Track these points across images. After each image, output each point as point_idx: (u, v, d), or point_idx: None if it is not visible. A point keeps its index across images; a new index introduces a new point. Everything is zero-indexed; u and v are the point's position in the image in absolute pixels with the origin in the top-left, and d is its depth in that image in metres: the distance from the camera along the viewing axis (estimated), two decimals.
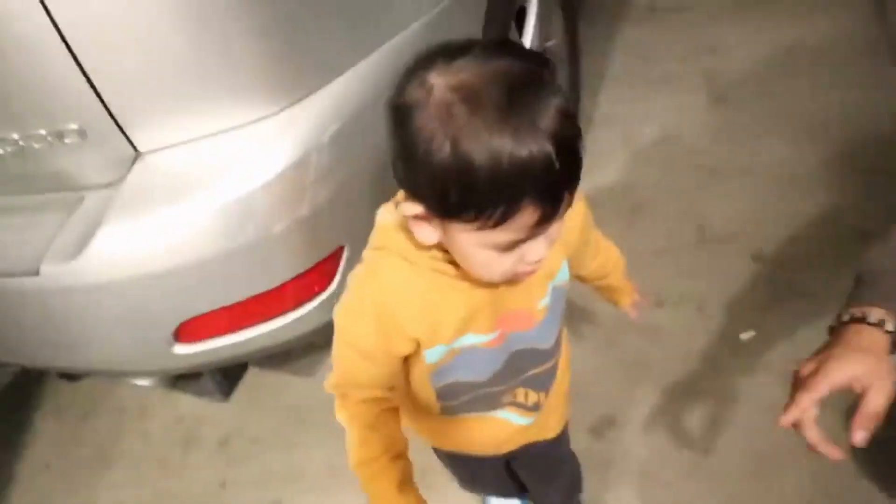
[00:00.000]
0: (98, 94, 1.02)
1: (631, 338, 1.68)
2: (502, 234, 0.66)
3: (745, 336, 1.64)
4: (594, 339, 1.70)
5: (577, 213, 0.86)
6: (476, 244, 0.69)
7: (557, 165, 0.61)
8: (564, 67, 2.00)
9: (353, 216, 1.23)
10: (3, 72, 1.02)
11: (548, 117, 0.61)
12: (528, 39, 1.79)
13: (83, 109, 1.04)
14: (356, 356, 0.82)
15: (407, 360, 0.85)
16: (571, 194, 0.66)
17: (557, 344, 0.94)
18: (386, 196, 1.24)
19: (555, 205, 0.65)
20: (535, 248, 0.70)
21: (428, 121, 0.63)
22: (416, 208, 0.69)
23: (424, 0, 1.29)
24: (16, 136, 1.08)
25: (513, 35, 1.70)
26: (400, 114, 0.65)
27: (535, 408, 0.98)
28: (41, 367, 1.50)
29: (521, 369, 0.91)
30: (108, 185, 1.12)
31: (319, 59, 1.13)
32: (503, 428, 0.99)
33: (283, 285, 1.19)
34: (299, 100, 1.12)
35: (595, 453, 1.50)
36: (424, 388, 0.89)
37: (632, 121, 2.25)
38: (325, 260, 1.22)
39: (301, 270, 1.19)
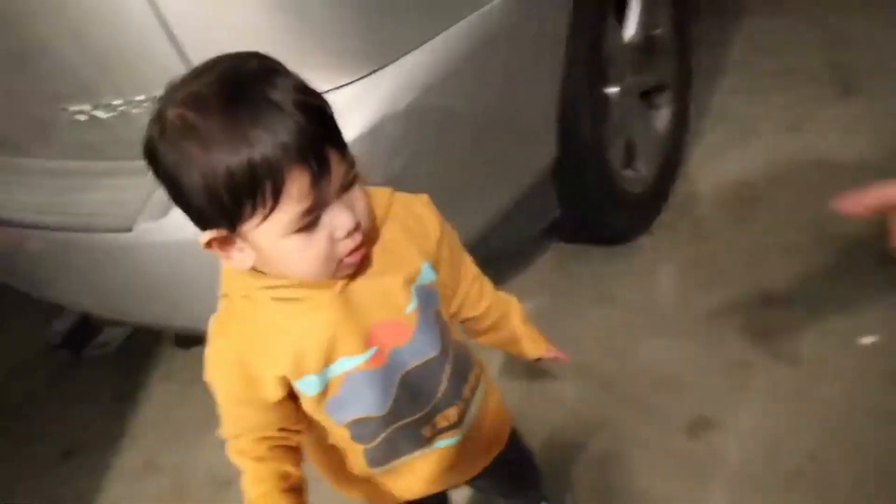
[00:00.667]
0: (189, 64, 1.07)
1: (736, 336, 1.57)
2: (290, 209, 0.67)
3: (865, 341, 1.49)
4: (696, 335, 1.60)
5: (430, 219, 0.87)
6: (278, 236, 0.69)
7: (301, 129, 0.65)
8: (672, 59, 1.91)
9: (426, 188, 1.23)
10: (106, 43, 1.10)
11: (276, 91, 0.65)
12: (629, 28, 1.73)
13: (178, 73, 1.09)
14: (235, 404, 0.81)
15: (298, 404, 0.83)
16: (339, 151, 0.69)
17: (447, 347, 0.87)
18: (456, 170, 1.23)
19: (319, 162, 0.66)
20: (339, 219, 0.70)
21: (169, 147, 0.66)
22: (210, 233, 0.70)
23: None
24: (118, 101, 1.16)
25: (611, 24, 1.65)
26: (151, 155, 0.69)
27: (460, 422, 0.92)
28: (143, 324, 1.60)
29: (425, 392, 0.87)
30: None
31: (397, 30, 1.14)
32: (441, 458, 0.93)
33: None
34: (376, 70, 1.13)
35: (689, 454, 1.40)
36: (335, 430, 0.86)
37: (751, 114, 2.15)
38: None
39: None
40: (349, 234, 0.72)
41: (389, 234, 0.82)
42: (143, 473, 1.78)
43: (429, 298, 0.85)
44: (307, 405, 0.82)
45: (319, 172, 0.67)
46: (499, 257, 1.82)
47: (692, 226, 1.88)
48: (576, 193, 1.64)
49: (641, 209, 1.88)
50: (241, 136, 0.64)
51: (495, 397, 1.02)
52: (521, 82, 1.37)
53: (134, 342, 2.07)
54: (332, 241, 0.71)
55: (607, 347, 1.64)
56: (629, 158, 1.83)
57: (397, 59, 1.15)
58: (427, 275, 0.85)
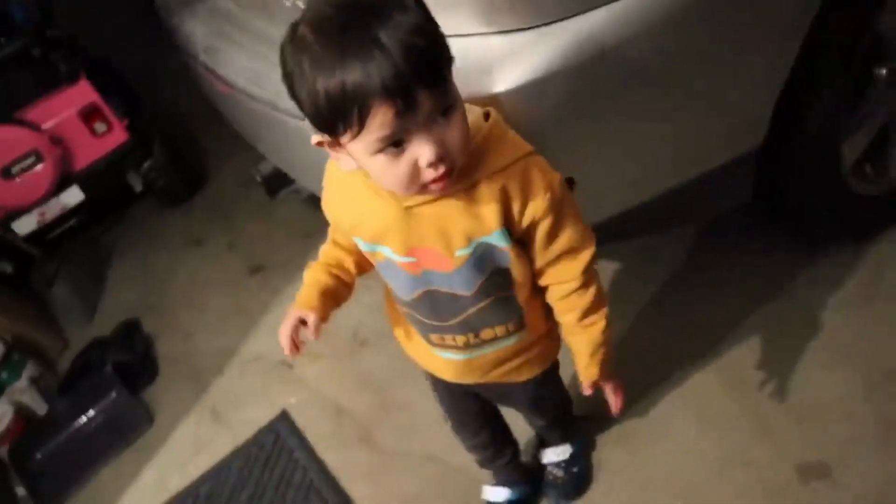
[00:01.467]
0: None
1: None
2: (374, 134, 0.77)
3: None
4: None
5: (538, 200, 0.91)
6: (366, 152, 0.80)
7: (393, 68, 0.72)
8: None
9: (584, 153, 1.17)
10: None
11: (385, 27, 0.73)
12: None
13: None
14: (332, 226, 1.07)
15: None
16: (432, 90, 0.76)
17: (482, 295, 0.98)
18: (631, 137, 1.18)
19: (405, 99, 0.74)
20: (423, 150, 0.79)
21: (290, 57, 0.78)
22: (317, 136, 0.84)
23: None
24: None
25: None
26: (281, 59, 0.80)
27: (467, 346, 1.06)
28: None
29: (441, 311, 1.01)
30: None
31: None
32: (444, 360, 1.10)
33: None
34: (553, 21, 1.05)
35: (791, 497, 1.30)
36: (383, 279, 1.05)
37: None
38: None
39: None
40: (431, 164, 0.80)
41: (489, 187, 0.89)
42: None
43: (489, 253, 0.94)
44: (365, 254, 1.03)
45: (404, 108, 0.75)
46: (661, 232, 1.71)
47: None
48: (782, 184, 1.44)
49: (866, 214, 1.61)
50: (341, 63, 0.73)
51: (536, 348, 1.12)
52: (738, 53, 1.19)
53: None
54: (416, 167, 0.81)
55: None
56: (873, 154, 1.55)
57: (584, 11, 1.06)
58: (497, 239, 0.93)
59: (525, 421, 1.41)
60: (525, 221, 0.92)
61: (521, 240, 0.96)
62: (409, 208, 0.90)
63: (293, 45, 0.78)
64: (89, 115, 2.40)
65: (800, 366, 1.46)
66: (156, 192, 2.67)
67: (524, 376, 1.16)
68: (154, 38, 2.04)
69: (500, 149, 0.90)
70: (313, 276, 1.07)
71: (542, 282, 1.02)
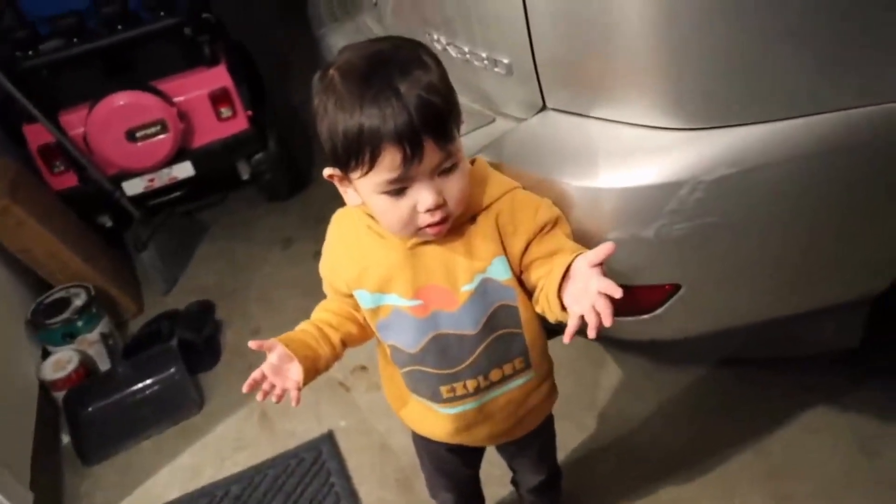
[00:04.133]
0: (532, 49, 1.09)
1: None
2: (381, 175, 0.84)
3: None
4: None
5: (527, 223, 0.95)
6: (371, 191, 0.87)
7: (407, 117, 0.80)
8: None
9: (702, 268, 1.13)
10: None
11: (405, 81, 0.81)
12: None
13: (517, 52, 1.12)
14: (327, 284, 1.07)
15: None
16: (438, 143, 0.83)
17: (487, 333, 0.99)
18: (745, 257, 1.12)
19: (413, 147, 0.81)
20: (423, 196, 0.86)
21: (319, 95, 0.87)
22: (330, 169, 0.92)
23: None
24: (466, 48, 1.21)
25: None
26: (313, 98, 0.88)
27: (478, 391, 1.04)
28: None
29: (450, 356, 1.00)
30: (516, 119, 1.21)
31: (755, 94, 1.01)
32: (456, 419, 1.07)
33: None
34: (710, 127, 1.02)
35: None
36: (384, 345, 1.05)
37: None
38: (652, 288, 1.15)
39: (620, 283, 1.14)
40: (429, 210, 0.87)
41: (483, 221, 0.95)
42: None
43: (493, 289, 0.97)
44: (365, 314, 1.03)
45: (411, 155, 0.82)
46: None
47: None
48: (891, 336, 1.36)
49: None
50: (360, 107, 0.82)
51: (538, 396, 1.11)
52: (877, 206, 1.13)
53: None
54: (414, 211, 0.87)
55: None
56: None
57: (738, 124, 1.02)
58: (497, 270, 0.96)
59: (520, 482, 1.37)
60: (519, 243, 0.95)
61: (523, 273, 0.98)
62: (412, 248, 0.95)
63: (322, 85, 0.87)
64: (218, 99, 2.50)
65: None
66: (260, 184, 2.75)
67: (537, 421, 1.17)
68: (298, 40, 2.10)
69: (488, 186, 0.97)
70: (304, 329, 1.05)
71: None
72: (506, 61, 1.15)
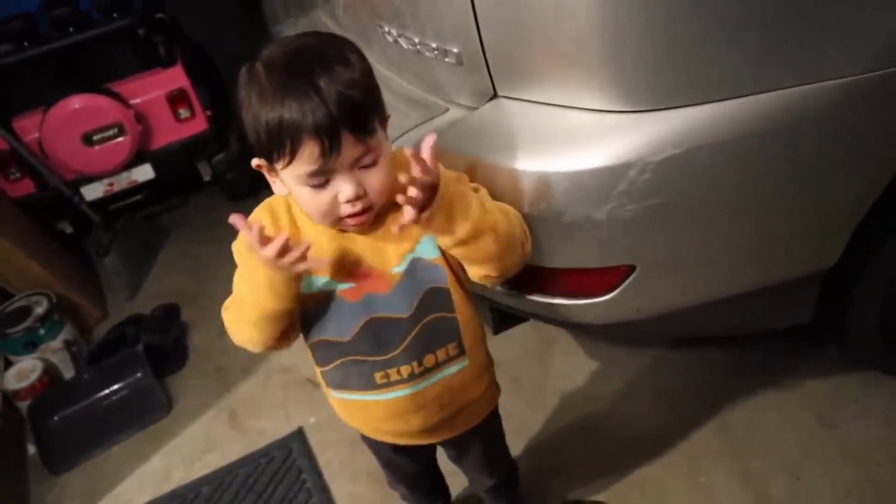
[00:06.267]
0: (481, 38, 1.10)
1: None
2: (302, 166, 0.87)
3: None
4: None
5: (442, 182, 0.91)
6: (294, 181, 0.90)
7: (326, 111, 0.83)
8: None
9: (654, 248, 1.15)
10: None
11: (326, 76, 0.84)
12: None
13: (467, 41, 1.12)
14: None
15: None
16: (357, 137, 0.85)
17: (419, 316, 1.00)
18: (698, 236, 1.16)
19: (332, 140, 0.84)
20: (343, 187, 0.89)
21: (244, 87, 0.88)
22: (257, 160, 0.93)
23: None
24: (417, 39, 1.22)
25: None
26: (236, 90, 0.89)
27: (412, 377, 1.03)
28: None
29: (383, 341, 1.00)
30: (467, 108, 1.22)
31: (697, 76, 1.03)
32: (390, 408, 1.06)
33: (553, 270, 1.17)
34: (651, 109, 1.04)
35: None
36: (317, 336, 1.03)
37: None
38: (607, 270, 1.17)
39: (576, 266, 1.17)
40: (350, 202, 0.90)
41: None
42: None
43: (423, 270, 1.00)
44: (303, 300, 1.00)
45: (329, 148, 0.85)
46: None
47: None
48: (845, 311, 1.40)
49: None
50: (282, 101, 0.84)
51: (476, 388, 1.12)
52: (822, 182, 1.15)
53: None
54: (335, 201, 0.90)
55: None
56: None
57: (682, 106, 1.04)
58: (426, 248, 0.99)
59: (472, 485, 1.39)
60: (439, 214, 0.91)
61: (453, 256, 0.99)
62: (340, 231, 0.97)
63: (248, 77, 0.89)
64: (176, 100, 2.48)
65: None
66: (222, 184, 2.73)
67: (476, 418, 1.17)
68: (256, 38, 2.09)
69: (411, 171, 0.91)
70: None
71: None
72: (456, 51, 1.15)
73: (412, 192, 0.87)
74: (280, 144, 0.85)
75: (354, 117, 0.85)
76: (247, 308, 0.97)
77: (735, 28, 1.00)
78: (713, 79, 1.03)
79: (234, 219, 0.87)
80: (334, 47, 0.89)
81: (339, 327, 1.01)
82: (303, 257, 0.89)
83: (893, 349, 1.50)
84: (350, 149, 0.86)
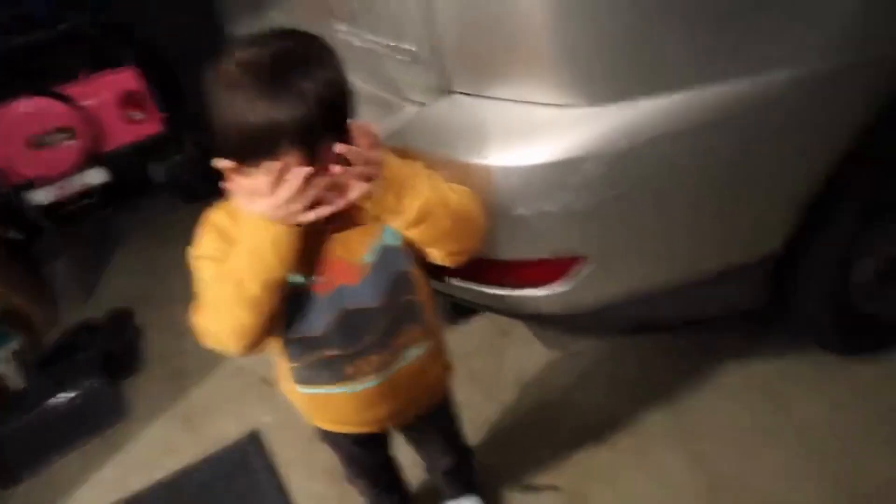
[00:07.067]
0: (435, 35, 1.11)
1: None
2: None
3: None
4: None
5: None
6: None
7: (307, 117, 0.84)
8: None
9: (607, 238, 1.18)
10: None
11: (306, 81, 0.84)
12: None
13: (421, 39, 1.14)
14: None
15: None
16: (335, 134, 0.87)
17: (389, 306, 1.02)
18: (650, 224, 1.18)
19: (312, 149, 0.86)
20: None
21: (217, 87, 0.86)
22: (226, 162, 0.89)
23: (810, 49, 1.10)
24: (370, 37, 1.23)
25: None
26: (206, 92, 0.87)
27: (382, 366, 1.06)
28: None
29: (356, 332, 1.02)
30: (422, 105, 1.23)
31: (648, 69, 1.06)
32: (360, 399, 1.08)
33: (504, 262, 1.20)
34: (604, 103, 1.07)
35: None
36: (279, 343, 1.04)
37: None
38: (556, 261, 1.19)
39: (526, 258, 1.19)
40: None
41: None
42: None
43: (390, 257, 1.01)
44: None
45: (310, 157, 0.86)
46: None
47: None
48: (794, 292, 1.45)
49: (869, 330, 1.61)
50: (262, 106, 0.84)
51: (436, 368, 1.16)
52: (770, 169, 1.20)
53: None
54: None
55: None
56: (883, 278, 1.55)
57: (634, 99, 1.07)
58: (390, 237, 1.00)
59: (430, 468, 1.41)
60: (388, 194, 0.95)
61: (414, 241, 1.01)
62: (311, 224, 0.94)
63: (219, 78, 0.87)
64: (128, 102, 2.43)
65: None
66: (177, 186, 2.69)
67: (437, 395, 1.21)
68: (211, 37, 2.07)
69: None
70: None
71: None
72: (410, 48, 1.16)
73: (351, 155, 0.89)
74: (255, 146, 0.86)
75: (332, 116, 0.87)
76: (245, 287, 0.92)
77: (687, 21, 1.03)
78: (666, 72, 1.07)
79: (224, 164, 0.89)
80: (305, 44, 0.89)
81: (313, 322, 1.02)
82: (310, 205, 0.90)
83: (840, 328, 1.56)
84: (328, 147, 0.87)
